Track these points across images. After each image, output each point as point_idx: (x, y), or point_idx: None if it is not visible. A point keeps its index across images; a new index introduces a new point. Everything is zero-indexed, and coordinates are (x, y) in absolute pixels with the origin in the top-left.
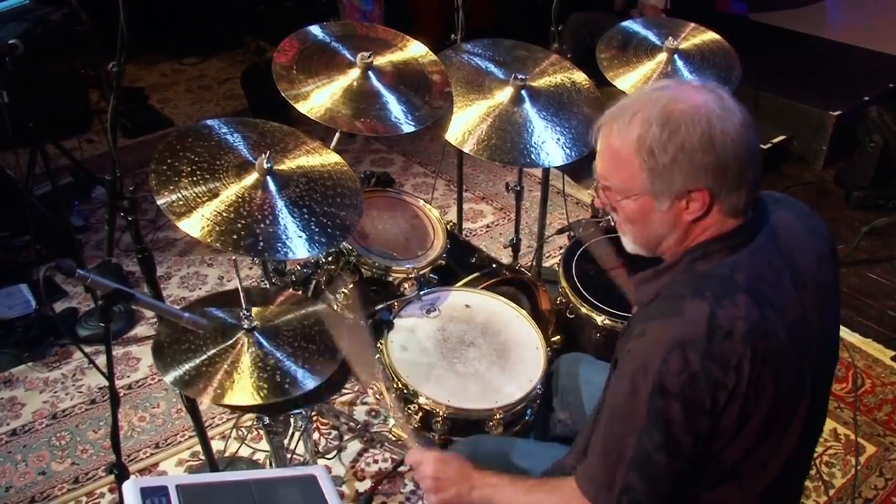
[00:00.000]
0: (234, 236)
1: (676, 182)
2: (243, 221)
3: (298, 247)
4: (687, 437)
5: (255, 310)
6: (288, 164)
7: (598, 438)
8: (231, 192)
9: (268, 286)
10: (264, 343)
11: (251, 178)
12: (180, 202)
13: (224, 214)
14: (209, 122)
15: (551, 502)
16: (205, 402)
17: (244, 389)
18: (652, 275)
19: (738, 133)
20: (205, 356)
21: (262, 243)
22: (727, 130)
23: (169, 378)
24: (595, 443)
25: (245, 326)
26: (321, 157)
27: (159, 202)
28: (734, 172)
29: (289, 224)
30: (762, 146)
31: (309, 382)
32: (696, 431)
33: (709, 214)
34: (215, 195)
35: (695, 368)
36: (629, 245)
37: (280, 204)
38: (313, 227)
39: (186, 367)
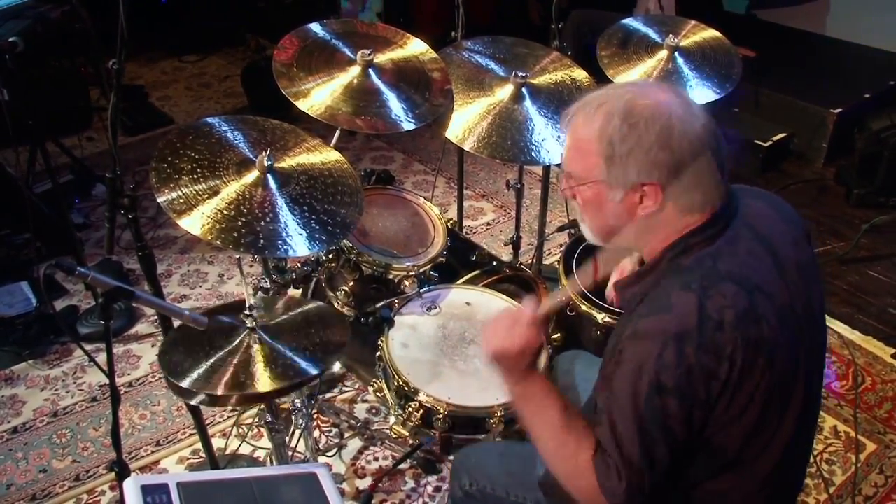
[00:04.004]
0: (235, 234)
1: (630, 174)
2: (244, 219)
3: (299, 244)
4: (682, 429)
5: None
6: (288, 162)
7: (606, 434)
8: (231, 189)
9: (268, 285)
10: (267, 339)
11: (252, 176)
12: (181, 200)
13: (224, 212)
14: (209, 119)
15: (569, 454)
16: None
17: (262, 379)
18: (634, 278)
19: (698, 135)
20: (214, 358)
21: (262, 241)
22: (686, 131)
23: (186, 383)
24: (603, 438)
25: (248, 325)
26: (321, 155)
27: (160, 200)
28: (689, 173)
29: (289, 221)
30: (762, 143)
31: (312, 369)
32: (690, 423)
33: (663, 211)
34: (216, 193)
35: (690, 361)
36: (587, 234)
37: (280, 201)
38: (314, 224)
39: (199, 371)
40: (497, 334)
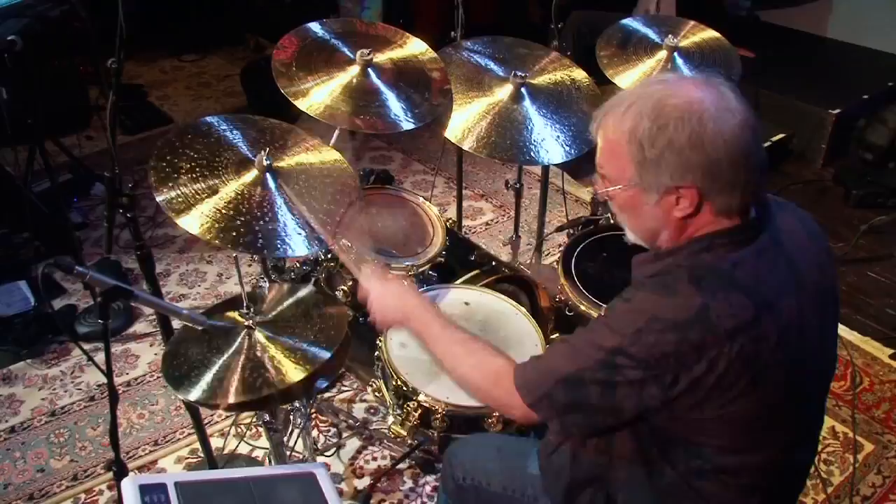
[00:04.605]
0: (234, 233)
1: (664, 177)
2: (242, 218)
3: (297, 244)
4: (628, 392)
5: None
6: (287, 162)
7: (548, 351)
8: (230, 189)
9: (266, 284)
10: (269, 334)
11: (250, 176)
12: (180, 199)
13: (223, 211)
14: (208, 119)
15: (490, 369)
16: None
17: (283, 374)
18: (652, 257)
19: (734, 134)
20: (219, 364)
21: (261, 240)
22: (721, 130)
23: (193, 396)
24: (545, 352)
25: (247, 324)
26: (320, 155)
27: (158, 199)
28: (726, 173)
29: (288, 221)
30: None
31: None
32: (639, 394)
33: (699, 213)
34: (215, 192)
35: (668, 347)
36: (628, 234)
37: (279, 201)
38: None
39: (205, 380)
40: (377, 312)
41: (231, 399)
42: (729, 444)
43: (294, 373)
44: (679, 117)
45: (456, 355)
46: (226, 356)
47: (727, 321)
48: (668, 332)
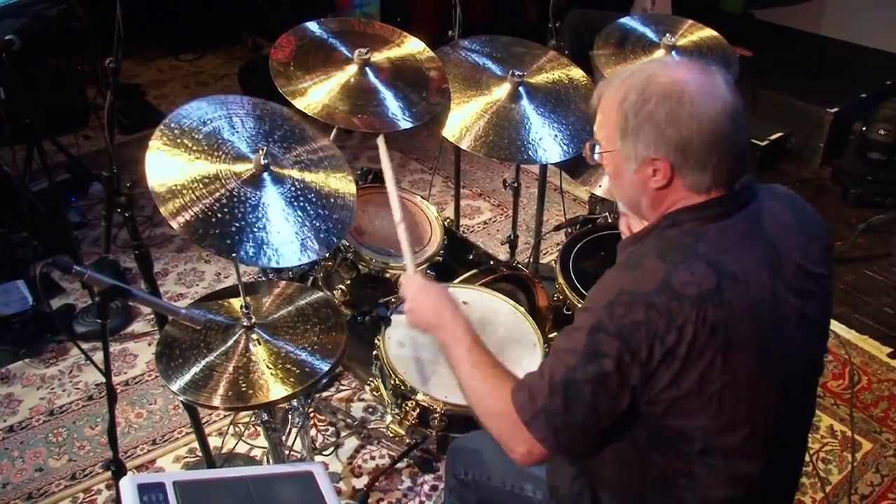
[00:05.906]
0: (228, 241)
1: (640, 148)
2: (237, 224)
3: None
4: (615, 378)
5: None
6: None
7: (542, 364)
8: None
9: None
10: (267, 337)
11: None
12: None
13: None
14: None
15: (486, 394)
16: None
17: (270, 385)
18: (632, 239)
19: (711, 118)
20: (210, 359)
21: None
22: (698, 112)
23: (175, 386)
24: (539, 366)
25: (245, 324)
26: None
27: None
28: (697, 152)
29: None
30: (759, 143)
31: (323, 365)
32: (625, 376)
33: (671, 186)
34: (211, 191)
35: (638, 317)
36: (620, 203)
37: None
38: (306, 231)
39: (193, 373)
40: (419, 312)
41: (216, 403)
42: (713, 423)
43: (283, 387)
44: (661, 94)
45: (470, 381)
46: (216, 354)
47: (690, 288)
48: (636, 302)
